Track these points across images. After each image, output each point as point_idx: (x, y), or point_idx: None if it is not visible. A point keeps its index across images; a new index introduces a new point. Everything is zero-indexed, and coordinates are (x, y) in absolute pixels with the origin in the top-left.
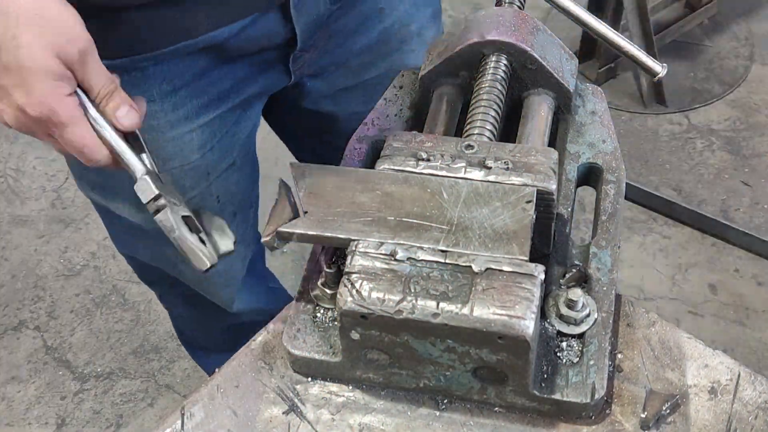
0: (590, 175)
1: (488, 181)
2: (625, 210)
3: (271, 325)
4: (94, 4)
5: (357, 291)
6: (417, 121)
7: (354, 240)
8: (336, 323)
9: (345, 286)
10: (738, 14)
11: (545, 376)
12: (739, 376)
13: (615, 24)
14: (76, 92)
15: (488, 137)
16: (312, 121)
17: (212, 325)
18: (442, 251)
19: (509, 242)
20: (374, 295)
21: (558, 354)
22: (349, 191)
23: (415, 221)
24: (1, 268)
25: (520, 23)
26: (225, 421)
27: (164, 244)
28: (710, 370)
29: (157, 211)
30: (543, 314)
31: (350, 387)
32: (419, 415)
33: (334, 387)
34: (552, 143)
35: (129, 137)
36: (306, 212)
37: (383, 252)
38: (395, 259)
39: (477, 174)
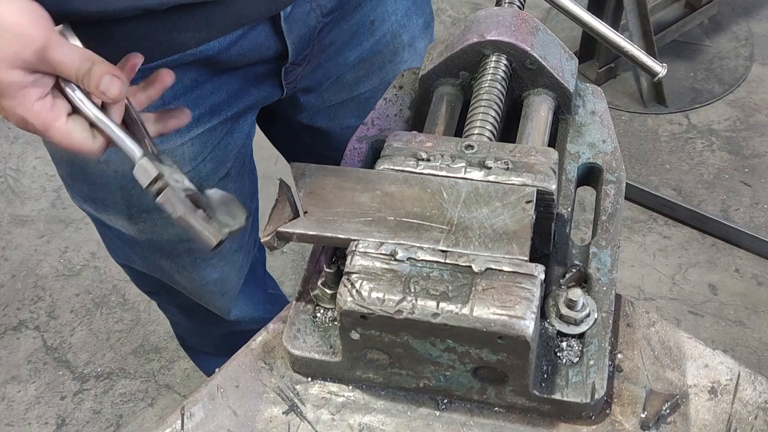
0: (590, 175)
1: (488, 181)
2: (625, 210)
3: (271, 325)
4: (80, 19)
5: (357, 291)
6: (417, 121)
7: (354, 240)
8: (336, 323)
9: (345, 286)
10: (738, 14)
11: (545, 376)
12: (739, 376)
13: (615, 24)
14: (59, 87)
15: (488, 137)
16: (307, 136)
17: (211, 332)
18: (442, 251)
19: (509, 242)
20: (374, 295)
21: (558, 354)
22: (349, 191)
23: (415, 221)
24: (1, 268)
25: (520, 23)
26: (225, 421)
27: (158, 255)
28: (710, 370)
29: (158, 193)
30: (543, 314)
31: (350, 387)
32: (419, 415)
33: (334, 387)
34: (552, 143)
35: (128, 122)
36: (306, 212)
37: (383, 252)
38: (395, 259)
39: (477, 174)
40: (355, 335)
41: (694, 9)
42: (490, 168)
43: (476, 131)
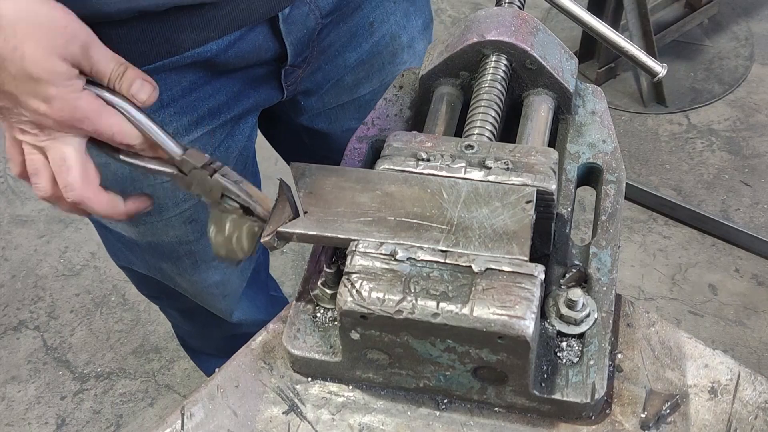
0: (590, 175)
1: (488, 181)
2: (625, 210)
3: (271, 325)
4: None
5: (357, 291)
6: (417, 121)
7: (354, 240)
8: (336, 323)
9: (345, 286)
10: (738, 14)
11: (545, 376)
12: (739, 376)
13: (615, 24)
14: (91, 84)
15: (488, 137)
16: (308, 139)
17: (213, 335)
18: (442, 251)
19: (509, 242)
20: (374, 295)
21: (558, 354)
22: (349, 191)
23: (415, 221)
24: (1, 268)
25: (520, 23)
26: (225, 421)
27: (159, 258)
28: (710, 370)
29: (214, 172)
30: (543, 314)
31: (350, 387)
32: (419, 415)
33: (334, 387)
34: (552, 143)
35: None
36: (306, 212)
37: (383, 252)
38: (395, 259)
39: (477, 174)
40: (355, 335)
41: (694, 9)
42: (490, 168)
43: (476, 131)
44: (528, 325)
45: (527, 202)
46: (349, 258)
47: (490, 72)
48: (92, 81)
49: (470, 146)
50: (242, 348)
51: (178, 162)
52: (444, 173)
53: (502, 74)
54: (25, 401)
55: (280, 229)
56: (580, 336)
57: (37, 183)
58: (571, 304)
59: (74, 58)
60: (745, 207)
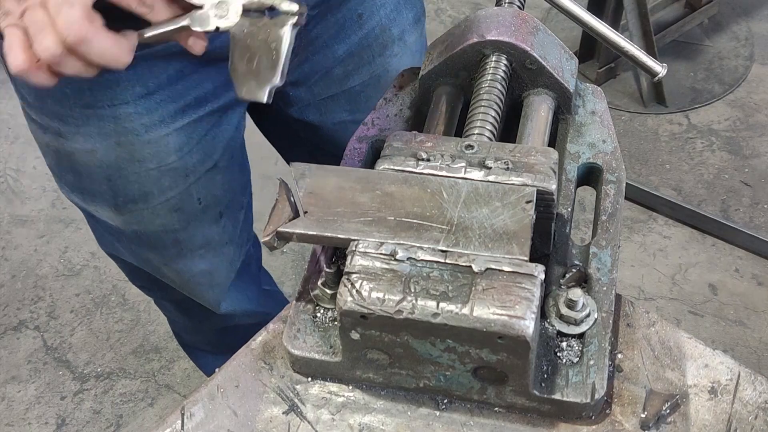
0: (590, 175)
1: (488, 181)
2: (625, 210)
3: (271, 325)
4: None
5: (357, 291)
6: (417, 121)
7: (354, 240)
8: (336, 323)
9: (345, 286)
10: (738, 14)
11: (545, 376)
12: (739, 376)
13: (615, 24)
14: None
15: (488, 137)
16: (299, 131)
17: (204, 328)
18: (442, 251)
19: (509, 242)
20: (374, 295)
21: (558, 354)
22: (349, 191)
23: (415, 221)
24: (1, 268)
25: (520, 23)
26: (225, 421)
27: (145, 247)
28: (710, 370)
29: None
30: (543, 314)
31: (350, 387)
32: (419, 415)
33: (334, 387)
34: (552, 143)
35: None
36: (306, 212)
37: (383, 252)
38: (395, 259)
39: (477, 174)
40: (355, 335)
41: (694, 9)
42: (490, 168)
43: (476, 131)
44: (528, 325)
45: (527, 202)
46: (349, 258)
47: (490, 72)
48: None
49: (470, 146)
50: (242, 348)
51: None
52: (444, 173)
53: (502, 74)
54: (25, 401)
55: (280, 229)
56: (580, 336)
57: (42, 41)
58: (571, 304)
59: None
60: (745, 207)
